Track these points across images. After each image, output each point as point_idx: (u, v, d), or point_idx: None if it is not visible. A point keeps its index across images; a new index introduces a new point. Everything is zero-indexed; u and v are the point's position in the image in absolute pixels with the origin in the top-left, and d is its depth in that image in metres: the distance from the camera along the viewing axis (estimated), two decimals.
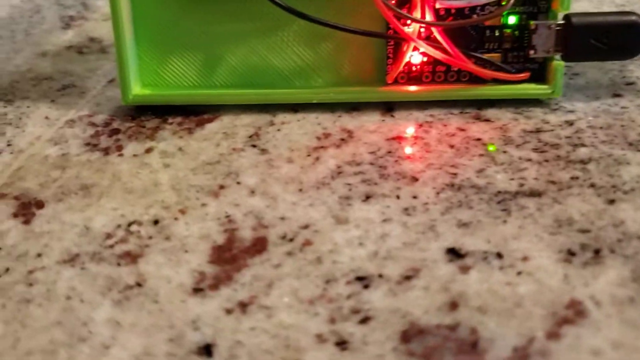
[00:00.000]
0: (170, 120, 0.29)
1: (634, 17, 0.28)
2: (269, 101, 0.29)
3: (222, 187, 0.25)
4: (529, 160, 0.26)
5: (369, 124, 0.28)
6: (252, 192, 0.25)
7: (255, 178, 0.25)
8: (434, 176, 0.25)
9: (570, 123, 0.28)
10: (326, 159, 0.26)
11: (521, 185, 0.25)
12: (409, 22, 0.28)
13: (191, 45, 0.29)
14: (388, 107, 0.29)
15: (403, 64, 0.28)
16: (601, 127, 0.27)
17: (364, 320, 0.20)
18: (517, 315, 0.20)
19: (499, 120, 0.28)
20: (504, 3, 0.28)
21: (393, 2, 0.28)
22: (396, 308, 0.20)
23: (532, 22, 0.28)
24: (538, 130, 0.28)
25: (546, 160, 0.26)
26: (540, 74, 0.29)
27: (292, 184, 0.25)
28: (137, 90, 0.29)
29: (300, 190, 0.25)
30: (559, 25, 0.28)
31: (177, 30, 0.29)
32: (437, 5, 0.28)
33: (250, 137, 0.28)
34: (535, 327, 0.19)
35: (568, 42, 0.28)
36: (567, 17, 0.28)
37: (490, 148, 0.27)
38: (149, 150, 0.27)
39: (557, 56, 0.29)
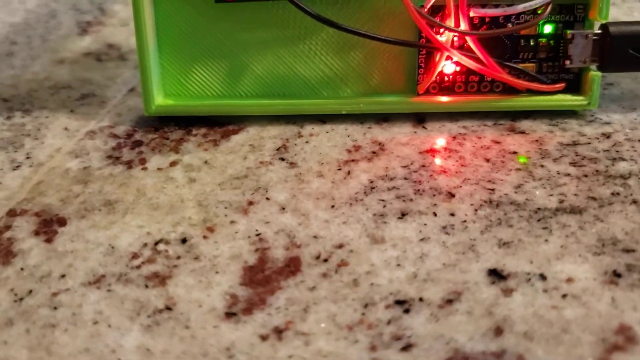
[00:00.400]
0: (194, 132, 0.28)
1: None
2: (296, 112, 0.28)
3: (251, 203, 0.24)
4: (568, 175, 0.25)
5: (401, 136, 0.27)
6: (283, 208, 0.24)
7: (285, 193, 0.25)
8: (471, 192, 0.24)
9: (607, 136, 0.27)
10: (358, 174, 0.25)
11: (561, 201, 0.24)
12: (442, 30, 0.27)
13: (216, 53, 0.28)
14: (419, 119, 0.29)
15: (436, 73, 0.28)
16: (639, 140, 0.27)
17: (407, 348, 0.19)
18: (564, 341, 0.19)
19: (534, 132, 0.27)
20: (540, 12, 0.27)
21: (426, 10, 0.27)
22: (439, 334, 0.19)
23: (569, 32, 0.27)
24: (575, 143, 0.27)
25: (585, 175, 0.25)
26: (575, 85, 0.28)
27: (324, 200, 0.24)
28: (160, 100, 0.29)
29: (333, 206, 0.24)
30: (596, 34, 0.27)
31: (201, 37, 0.28)
32: (472, 14, 0.27)
33: (278, 149, 0.27)
34: (585, 354, 0.19)
35: (605, 52, 0.27)
36: (604, 27, 0.27)
37: (522, 160, 0.26)
38: (173, 164, 0.26)
39: (594, 66, 0.28)
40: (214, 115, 0.29)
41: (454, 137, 0.27)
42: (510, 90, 0.28)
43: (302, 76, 0.28)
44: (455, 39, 0.27)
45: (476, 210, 0.23)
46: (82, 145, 0.28)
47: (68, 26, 0.39)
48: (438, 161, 0.26)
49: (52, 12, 0.41)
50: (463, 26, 0.27)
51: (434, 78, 0.28)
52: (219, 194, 0.25)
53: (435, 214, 0.23)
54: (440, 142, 0.27)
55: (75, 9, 0.41)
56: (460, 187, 0.24)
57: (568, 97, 0.28)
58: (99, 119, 0.30)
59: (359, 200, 0.24)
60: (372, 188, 0.25)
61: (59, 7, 0.41)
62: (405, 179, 0.25)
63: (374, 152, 0.27)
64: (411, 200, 0.24)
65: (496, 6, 0.27)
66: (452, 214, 0.23)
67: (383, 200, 0.24)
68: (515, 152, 0.26)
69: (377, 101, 0.28)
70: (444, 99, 0.28)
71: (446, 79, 0.28)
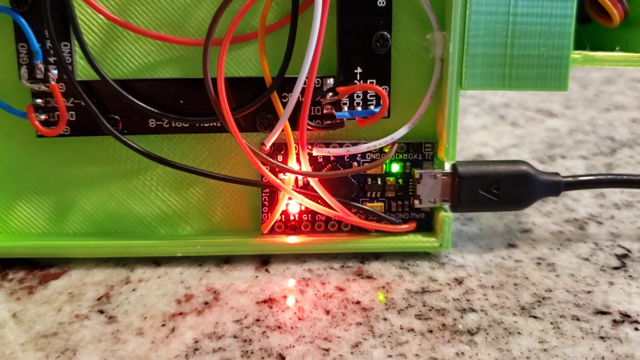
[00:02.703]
0: (10, 276, 0.25)
1: (524, 167, 0.27)
2: (125, 254, 0.26)
3: None
4: (412, 330, 0.23)
5: (240, 282, 0.25)
6: None
7: (95, 357, 0.22)
8: (304, 353, 0.22)
9: (459, 281, 0.26)
10: (183, 330, 0.23)
11: None
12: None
13: (40, 189, 0.26)
14: (264, 259, 0.27)
15: (278, 213, 0.26)
16: (493, 287, 0.25)
17: None
18: None
19: (382, 277, 0.26)
20: (386, 150, 0.26)
21: (267, 148, 0.26)
22: None
23: (416, 171, 0.26)
24: (424, 291, 0.25)
25: (430, 331, 0.23)
26: (428, 224, 0.27)
27: None
28: None
29: None
30: (445, 174, 0.26)
31: (24, 172, 0.25)
32: (315, 153, 0.26)
33: (99, 299, 0.24)
34: None
35: (456, 193, 0.26)
36: (454, 166, 0.26)
37: (380, 297, 0.24)
38: None
39: (446, 206, 0.27)
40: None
41: (297, 283, 0.25)
42: (359, 230, 0.27)
43: (136, 213, 0.26)
44: (300, 177, 0.26)
45: None
46: None
47: None
48: (275, 314, 0.24)
49: None
50: (305, 165, 0.25)
51: (277, 217, 0.26)
52: (19, 358, 0.22)
53: None
54: (281, 289, 0.25)
55: None
56: (293, 346, 0.22)
57: (419, 237, 0.27)
58: None
59: None
60: (196, 350, 0.22)
61: None
62: (235, 337, 0.23)
63: (206, 303, 0.24)
64: None
65: (340, 145, 0.26)
66: None
67: None
68: (358, 302, 0.24)
69: (216, 242, 0.26)
70: (290, 239, 0.26)
71: (292, 217, 0.26)
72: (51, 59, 0.24)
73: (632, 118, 0.39)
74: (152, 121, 0.25)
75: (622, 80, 0.44)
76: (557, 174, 0.27)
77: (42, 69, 0.24)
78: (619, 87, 0.43)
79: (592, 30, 0.27)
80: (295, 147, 0.25)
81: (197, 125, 0.25)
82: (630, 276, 0.26)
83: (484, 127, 0.38)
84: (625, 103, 0.40)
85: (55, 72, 0.24)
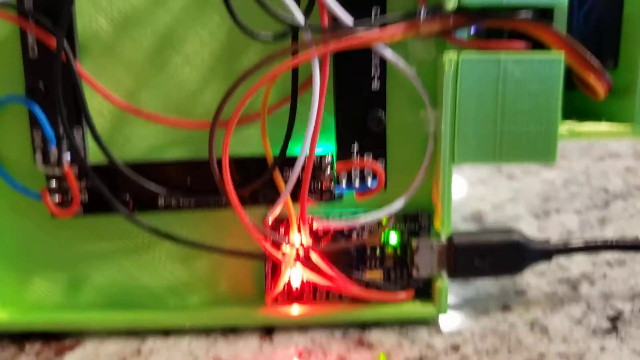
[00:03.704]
0: (27, 349, 0.26)
1: (516, 236, 0.28)
2: (137, 326, 0.27)
3: None
4: None
5: (245, 352, 0.26)
6: None
7: None
8: None
9: (455, 348, 0.26)
10: None
11: None
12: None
13: (55, 264, 0.27)
14: (268, 329, 0.28)
15: (281, 285, 0.27)
16: (487, 352, 0.26)
17: None
18: None
19: (382, 345, 0.27)
20: (384, 222, 0.27)
21: (270, 222, 0.27)
22: None
23: (414, 241, 0.27)
24: (421, 359, 0.26)
25: None
26: (426, 291, 0.28)
27: None
28: None
29: None
30: (441, 244, 0.27)
31: (39, 249, 0.27)
32: (315, 226, 0.27)
33: None
34: None
35: (452, 262, 0.27)
36: (449, 237, 0.27)
37: (382, 358, 0.26)
38: None
39: (443, 274, 0.28)
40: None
41: (300, 354, 0.26)
42: (360, 299, 0.28)
43: (145, 285, 0.27)
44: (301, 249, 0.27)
45: None
46: None
47: None
48: None
49: None
50: (306, 238, 0.27)
51: (280, 288, 0.27)
52: None
53: None
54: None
55: None
56: None
57: (418, 306, 0.28)
58: None
59: None
60: None
61: None
62: None
63: None
64: None
65: (340, 217, 0.27)
66: None
67: None
68: None
69: (222, 314, 0.27)
70: (293, 309, 0.27)
71: (294, 288, 0.28)
72: (64, 144, 0.25)
73: (626, 167, 0.40)
74: (161, 199, 0.26)
75: None
76: (547, 241, 0.28)
77: (56, 153, 0.26)
78: None
79: (580, 96, 0.29)
80: (297, 220, 0.26)
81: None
82: (621, 339, 0.27)
83: (482, 181, 0.39)
84: (620, 151, 0.42)
85: (69, 156, 0.26)
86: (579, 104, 0.28)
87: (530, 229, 0.34)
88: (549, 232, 0.34)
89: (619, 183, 0.39)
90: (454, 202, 0.36)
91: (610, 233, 0.34)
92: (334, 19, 0.25)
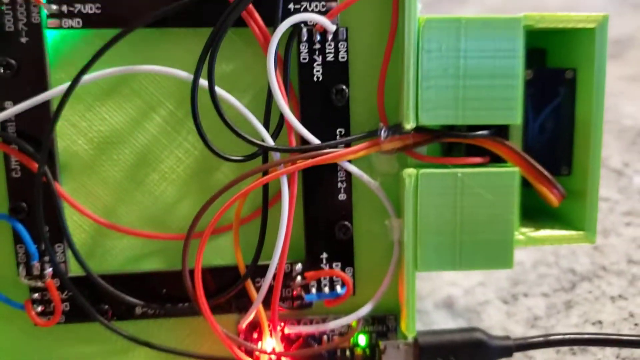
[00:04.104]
0: None
1: (478, 335, 0.29)
2: None
3: None
4: None
5: None
6: None
7: None
8: None
9: None
10: None
11: None
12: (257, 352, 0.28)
13: None
14: None
15: None
16: None
17: None
18: None
19: None
20: (354, 325, 0.29)
21: (244, 327, 0.28)
22: None
23: (381, 343, 0.29)
24: None
25: None
26: None
27: None
28: None
29: None
30: (407, 344, 0.29)
31: (25, 354, 0.28)
32: (287, 330, 0.28)
33: None
34: None
35: None
36: (415, 337, 0.29)
37: None
38: None
39: None
40: None
41: None
42: None
43: None
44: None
45: None
46: None
47: None
48: None
49: None
50: (277, 344, 0.28)
51: None
52: None
53: None
54: None
55: None
56: None
57: None
58: None
59: None
60: None
61: None
62: None
63: None
64: None
65: (311, 322, 0.29)
66: None
67: None
68: None
69: None
70: None
71: None
72: (46, 258, 0.27)
73: (594, 245, 0.42)
74: (138, 308, 0.28)
75: None
76: (508, 337, 0.29)
77: (39, 267, 0.27)
78: None
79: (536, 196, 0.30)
80: (269, 326, 0.28)
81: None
82: None
83: None
84: None
85: (50, 270, 0.27)
86: (538, 203, 0.30)
87: (499, 315, 0.35)
88: (517, 317, 0.35)
89: (587, 263, 0.40)
90: (426, 289, 0.37)
91: (574, 318, 0.35)
92: (302, 139, 0.27)
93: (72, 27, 0.25)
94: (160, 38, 0.26)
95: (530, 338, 0.30)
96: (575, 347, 0.33)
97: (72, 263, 0.27)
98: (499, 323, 0.35)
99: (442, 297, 0.37)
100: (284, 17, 0.25)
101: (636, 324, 0.35)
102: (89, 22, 0.25)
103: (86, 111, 0.27)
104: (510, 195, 0.27)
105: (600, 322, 0.35)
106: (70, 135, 0.27)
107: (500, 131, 0.28)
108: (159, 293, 0.28)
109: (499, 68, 0.26)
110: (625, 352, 0.33)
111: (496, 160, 0.28)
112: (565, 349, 0.33)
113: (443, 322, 0.35)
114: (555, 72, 0.29)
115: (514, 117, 0.26)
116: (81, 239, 0.27)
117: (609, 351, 0.33)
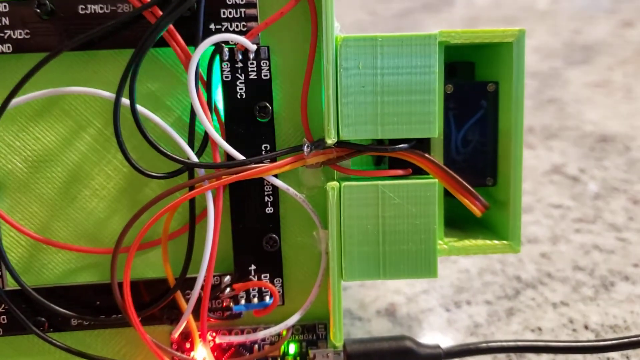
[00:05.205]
0: None
1: (407, 343, 0.30)
2: None
3: None
4: None
5: None
6: None
7: None
8: None
9: None
10: None
11: None
12: None
13: None
14: None
15: None
16: None
17: None
18: None
19: None
20: (284, 334, 0.29)
21: (176, 336, 0.29)
22: None
23: (311, 351, 0.29)
24: None
25: None
26: None
27: None
28: None
29: None
30: (336, 352, 0.29)
31: None
32: (218, 340, 0.29)
33: None
34: None
35: None
36: (344, 346, 0.29)
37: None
38: None
39: None
40: None
41: None
42: None
43: None
44: None
45: None
46: None
47: None
48: None
49: None
50: (205, 354, 0.29)
51: None
52: None
53: None
54: None
55: None
56: None
57: None
58: None
59: None
60: None
61: None
62: None
63: None
64: None
65: (242, 332, 0.29)
66: None
67: None
68: None
69: None
70: None
71: None
72: None
73: (542, 252, 0.42)
74: (73, 320, 0.28)
75: (540, 207, 0.47)
76: (437, 346, 0.30)
77: None
78: (535, 216, 0.46)
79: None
80: (199, 336, 0.28)
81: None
82: None
83: None
84: (538, 235, 0.44)
85: None
86: (466, 212, 0.31)
87: (440, 322, 0.36)
88: (458, 324, 0.36)
89: (532, 270, 0.41)
90: (370, 296, 0.38)
91: (514, 325, 0.36)
92: (228, 156, 0.28)
93: (2, 53, 0.27)
94: (88, 60, 0.27)
95: (459, 346, 0.31)
96: (513, 355, 0.34)
97: (9, 277, 0.28)
98: (439, 330, 0.36)
99: (385, 304, 0.37)
100: (204, 37, 0.27)
101: (574, 330, 0.36)
102: (18, 47, 0.27)
103: (20, 131, 0.28)
104: (430, 205, 0.28)
105: (539, 329, 0.36)
106: (5, 155, 0.28)
107: (422, 144, 0.29)
108: (93, 305, 0.28)
109: (416, 84, 0.27)
110: (561, 357, 0.34)
111: (420, 172, 0.29)
112: (501, 356, 0.34)
113: (384, 330, 0.36)
114: (477, 85, 0.30)
115: (432, 130, 0.27)
116: (18, 254, 0.28)
117: (545, 357, 0.34)
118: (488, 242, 0.29)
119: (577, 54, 0.75)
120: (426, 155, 0.28)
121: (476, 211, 0.29)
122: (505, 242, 0.29)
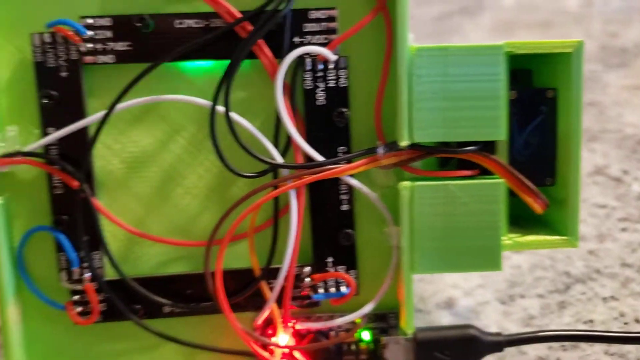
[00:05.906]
0: None
1: (472, 331, 0.32)
2: None
3: None
4: None
5: None
6: None
7: None
8: None
9: None
10: None
11: None
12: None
13: None
14: None
15: None
16: None
17: None
18: None
19: None
20: (358, 321, 0.32)
21: (260, 323, 0.31)
22: None
23: (383, 338, 0.32)
24: None
25: None
26: None
27: None
28: None
29: None
30: (407, 340, 0.32)
31: (66, 350, 0.31)
32: (297, 327, 0.31)
33: None
34: None
35: (416, 355, 0.32)
36: (414, 333, 0.32)
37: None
38: None
39: None
40: None
41: None
42: None
43: None
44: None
45: None
46: None
47: None
48: None
49: None
50: (289, 338, 0.31)
51: None
52: None
53: None
54: None
55: None
56: None
57: None
58: None
59: None
60: None
61: None
62: None
63: None
64: None
65: (320, 319, 0.32)
66: None
67: None
68: None
69: None
70: None
71: None
72: (85, 264, 0.30)
73: (590, 249, 0.44)
74: (166, 308, 0.31)
75: (585, 207, 0.49)
76: (499, 333, 0.32)
77: (78, 272, 0.30)
78: (581, 216, 0.48)
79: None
80: (282, 322, 0.31)
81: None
82: None
83: None
84: (585, 233, 0.46)
85: (89, 274, 0.30)
86: (528, 211, 0.33)
87: (496, 314, 0.38)
88: (513, 316, 0.38)
89: (581, 266, 0.43)
90: (429, 290, 0.40)
91: (567, 318, 0.38)
92: (308, 157, 0.30)
93: (105, 63, 0.29)
94: (183, 70, 0.30)
95: (519, 334, 0.33)
96: (567, 344, 0.36)
97: (108, 268, 0.31)
98: (495, 322, 0.38)
99: (443, 298, 0.40)
100: (290, 50, 0.29)
101: (626, 323, 0.37)
102: (121, 58, 0.29)
103: (119, 135, 0.30)
104: (496, 204, 0.30)
105: (591, 321, 0.38)
106: (106, 156, 0.30)
107: (488, 146, 0.31)
108: (184, 293, 0.31)
109: (484, 90, 0.29)
110: (614, 348, 0.36)
111: (486, 172, 0.31)
112: (556, 345, 0.36)
113: (444, 321, 0.38)
114: (537, 91, 0.32)
115: (499, 134, 0.30)
116: (116, 246, 0.31)
117: (598, 347, 0.35)
118: (548, 237, 0.31)
119: (614, 57, 0.76)
120: (493, 156, 0.30)
121: (538, 208, 0.31)
122: (564, 237, 0.31)
